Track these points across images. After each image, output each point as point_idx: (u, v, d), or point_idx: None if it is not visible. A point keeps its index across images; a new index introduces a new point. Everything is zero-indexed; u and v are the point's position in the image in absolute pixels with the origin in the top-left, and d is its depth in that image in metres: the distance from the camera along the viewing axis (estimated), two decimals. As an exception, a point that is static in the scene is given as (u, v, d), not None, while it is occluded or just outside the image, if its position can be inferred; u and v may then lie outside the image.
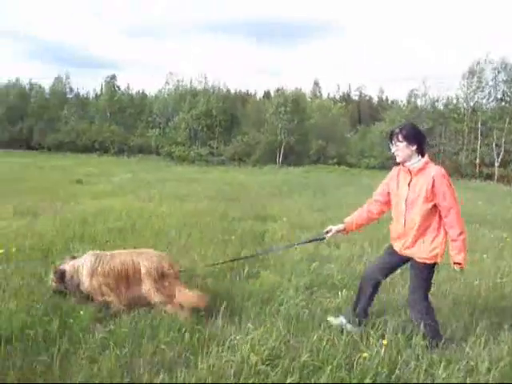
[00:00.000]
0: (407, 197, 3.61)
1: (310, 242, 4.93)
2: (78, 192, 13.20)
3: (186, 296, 4.00)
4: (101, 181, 17.92)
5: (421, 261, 3.61)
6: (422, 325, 3.61)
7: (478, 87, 39.91)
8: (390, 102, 66.99)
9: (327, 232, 4.08)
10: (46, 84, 53.89)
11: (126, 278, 4.06)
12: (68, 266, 4.19)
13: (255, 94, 62.13)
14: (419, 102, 43.47)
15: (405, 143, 3.56)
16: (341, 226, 4.04)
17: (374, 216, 3.98)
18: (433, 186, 3.46)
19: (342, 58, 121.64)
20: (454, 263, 3.55)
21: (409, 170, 3.61)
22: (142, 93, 55.75)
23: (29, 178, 16.84)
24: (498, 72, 39.00)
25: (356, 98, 73.17)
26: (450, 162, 37.17)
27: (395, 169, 3.84)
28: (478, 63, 39.36)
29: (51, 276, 4.25)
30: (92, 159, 36.36)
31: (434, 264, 3.63)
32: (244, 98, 55.82)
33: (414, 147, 3.56)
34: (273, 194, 15.34)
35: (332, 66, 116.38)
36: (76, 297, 4.13)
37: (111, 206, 9.86)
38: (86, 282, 4.08)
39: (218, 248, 6.45)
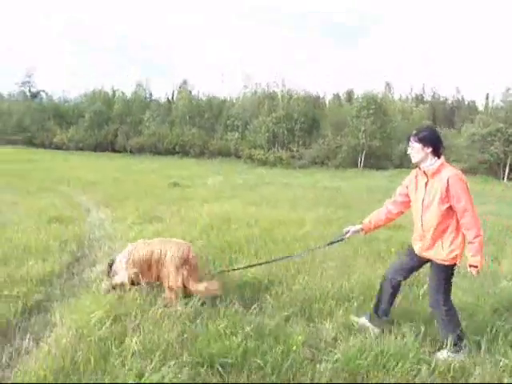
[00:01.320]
0: (424, 199, 3.64)
1: (332, 243, 4.76)
2: (181, 195, 13.29)
3: (197, 286, 4.16)
4: (195, 183, 18.13)
5: (440, 262, 3.60)
6: (442, 327, 3.61)
7: None
8: (466, 102, 63.43)
9: (346, 233, 4.19)
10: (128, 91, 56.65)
11: (151, 264, 4.31)
12: (116, 257, 4.54)
13: (324, 96, 60.62)
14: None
15: (420, 145, 3.60)
16: (358, 227, 4.12)
17: (392, 216, 4.05)
18: (447, 188, 3.46)
19: (415, 57, 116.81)
20: (470, 266, 3.49)
21: (424, 172, 3.64)
22: (213, 97, 56.18)
23: (129, 181, 17.31)
24: None
25: (429, 98, 69.15)
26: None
27: (414, 171, 3.85)
28: None
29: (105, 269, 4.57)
30: (175, 161, 37.30)
31: (454, 265, 3.60)
32: (315, 101, 54.93)
33: (429, 150, 3.58)
34: (378, 199, 14.62)
35: (403, 66, 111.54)
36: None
37: (232, 211, 9.65)
38: (122, 271, 4.35)
39: (369, 263, 6.00)
